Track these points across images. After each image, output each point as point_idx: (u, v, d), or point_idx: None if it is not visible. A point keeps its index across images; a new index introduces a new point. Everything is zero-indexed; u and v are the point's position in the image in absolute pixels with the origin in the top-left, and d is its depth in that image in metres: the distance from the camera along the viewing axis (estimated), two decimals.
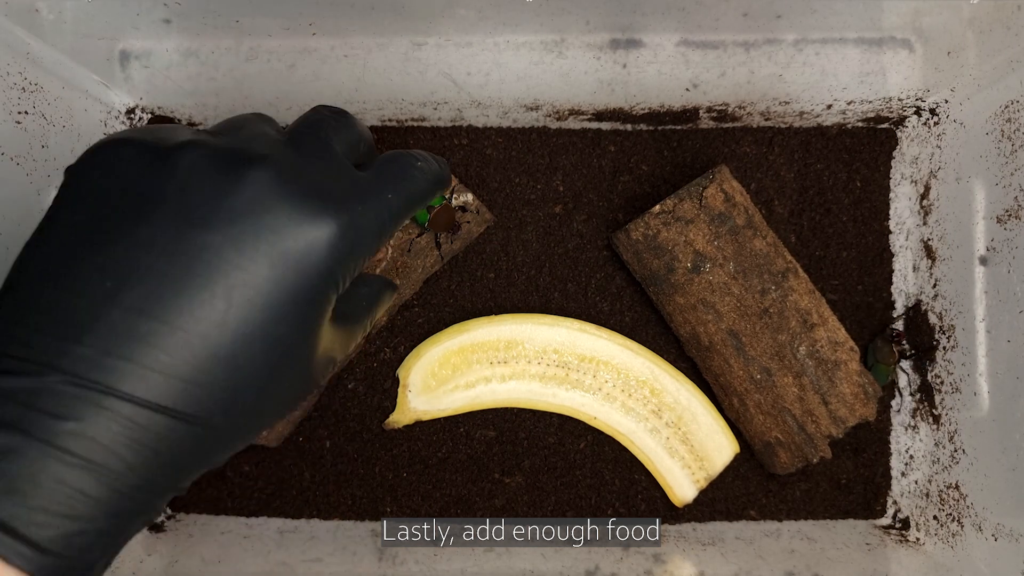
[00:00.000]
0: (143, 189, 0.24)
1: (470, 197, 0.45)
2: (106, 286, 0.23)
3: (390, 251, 0.44)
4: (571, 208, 0.48)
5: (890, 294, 0.48)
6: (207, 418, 0.23)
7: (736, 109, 0.46)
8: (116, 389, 0.22)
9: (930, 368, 0.46)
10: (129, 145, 0.25)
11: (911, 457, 0.47)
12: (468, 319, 0.47)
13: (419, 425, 0.47)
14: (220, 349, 0.23)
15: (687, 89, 0.44)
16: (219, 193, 0.24)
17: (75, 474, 0.21)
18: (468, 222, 0.46)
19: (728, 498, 0.48)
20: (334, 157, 0.28)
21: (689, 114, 0.47)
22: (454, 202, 0.45)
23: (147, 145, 0.25)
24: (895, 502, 0.48)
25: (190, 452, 0.24)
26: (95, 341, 0.22)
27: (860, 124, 0.48)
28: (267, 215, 0.24)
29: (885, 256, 0.48)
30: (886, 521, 0.48)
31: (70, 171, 0.26)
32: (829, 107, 0.46)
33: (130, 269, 0.23)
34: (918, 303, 0.47)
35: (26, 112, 0.37)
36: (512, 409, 0.48)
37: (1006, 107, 0.40)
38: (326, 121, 0.29)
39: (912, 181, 0.48)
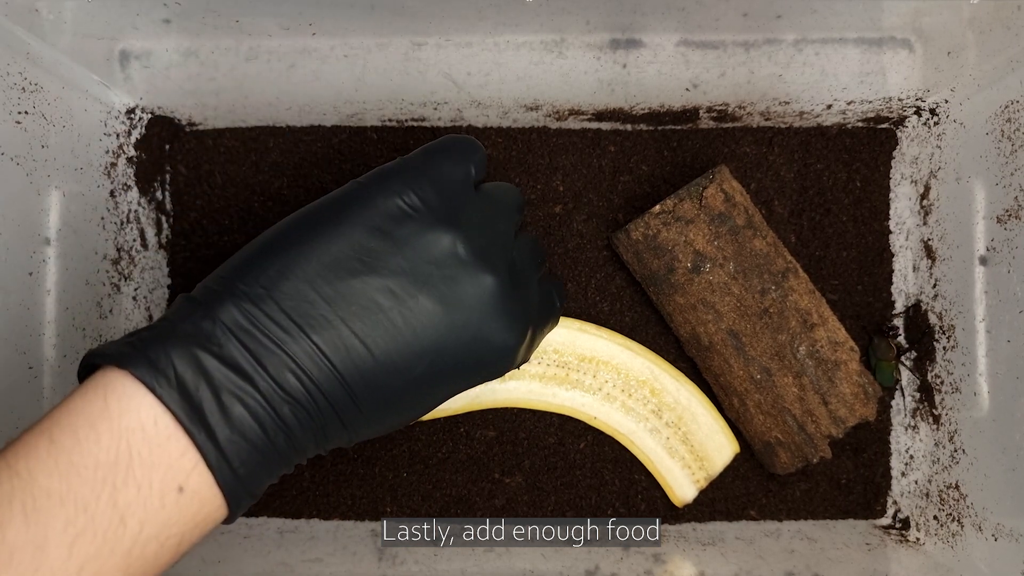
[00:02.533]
0: (407, 244, 0.30)
1: None
2: (350, 309, 0.29)
3: None
4: (571, 208, 0.48)
5: (890, 294, 0.48)
6: (360, 399, 0.29)
7: (736, 109, 0.46)
8: (317, 381, 0.28)
9: (930, 368, 0.46)
10: (414, 198, 0.31)
11: (911, 457, 0.47)
12: None
13: (419, 425, 0.47)
14: (391, 388, 0.29)
15: (687, 89, 0.44)
16: (461, 285, 0.30)
17: (270, 423, 0.27)
18: None
19: (728, 498, 0.48)
20: (534, 293, 0.35)
21: (689, 114, 0.47)
22: None
23: (432, 206, 0.31)
24: (895, 502, 0.48)
25: (335, 421, 0.29)
26: (320, 341, 0.28)
27: (860, 124, 0.48)
28: (482, 318, 0.31)
29: (885, 256, 0.48)
30: (886, 521, 0.48)
31: (364, 188, 0.31)
32: (829, 107, 0.46)
33: (372, 306, 0.29)
34: (918, 303, 0.47)
35: (26, 112, 0.37)
36: (512, 409, 0.48)
37: (1006, 107, 0.40)
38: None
39: (912, 181, 0.48)
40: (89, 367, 0.27)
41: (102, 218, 0.44)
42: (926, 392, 0.46)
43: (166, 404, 0.25)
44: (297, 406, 0.27)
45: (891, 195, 0.49)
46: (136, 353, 0.26)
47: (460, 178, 0.33)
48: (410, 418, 0.32)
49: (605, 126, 0.48)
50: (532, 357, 0.46)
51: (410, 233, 0.30)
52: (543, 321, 0.36)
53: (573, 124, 0.48)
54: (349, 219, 0.30)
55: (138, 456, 0.25)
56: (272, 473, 0.28)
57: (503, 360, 0.32)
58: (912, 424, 0.47)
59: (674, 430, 0.46)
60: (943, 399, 0.45)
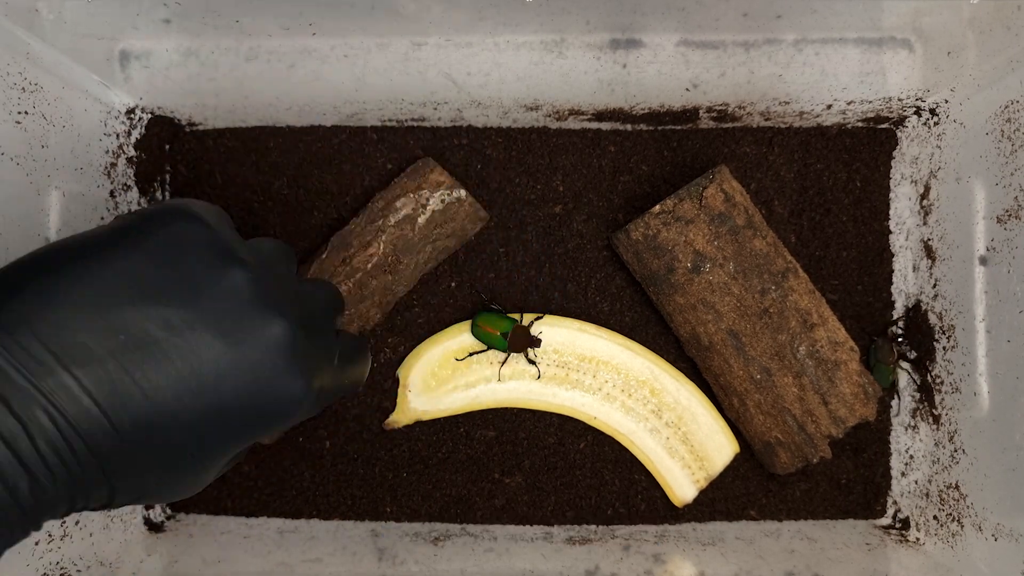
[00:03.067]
0: (192, 274, 0.28)
1: (463, 194, 0.45)
2: (118, 339, 0.26)
3: (382, 247, 0.44)
4: (571, 208, 0.48)
5: (890, 294, 0.48)
6: (127, 439, 0.26)
7: (736, 109, 0.46)
8: (74, 421, 0.25)
9: (930, 368, 0.46)
10: (205, 228, 0.29)
11: (911, 457, 0.47)
12: (468, 319, 0.47)
13: (419, 425, 0.47)
14: (164, 432, 0.26)
15: (687, 89, 0.44)
16: (246, 323, 0.28)
17: (10, 466, 0.24)
18: (457, 220, 0.46)
19: (728, 498, 0.48)
20: (331, 345, 0.33)
21: (689, 114, 0.47)
22: (447, 199, 0.45)
23: (220, 240, 0.29)
24: (895, 502, 0.48)
25: (94, 466, 0.26)
26: (80, 375, 0.25)
27: (860, 124, 0.48)
28: (268, 360, 0.28)
29: (885, 256, 0.48)
30: (886, 521, 0.48)
31: (146, 215, 0.29)
32: (829, 107, 0.46)
33: (143, 338, 0.26)
34: (918, 303, 0.47)
35: (26, 112, 0.37)
36: (512, 409, 0.48)
37: (1006, 107, 0.40)
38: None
39: (912, 181, 0.48)
40: None
41: (102, 218, 0.43)
42: (926, 392, 0.46)
43: None
44: (48, 449, 0.24)
45: (891, 195, 0.49)
46: None
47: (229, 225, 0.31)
48: (180, 480, 0.29)
49: (605, 126, 0.48)
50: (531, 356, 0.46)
51: (194, 263, 0.28)
52: (340, 373, 0.33)
53: (573, 124, 0.48)
54: (126, 243, 0.28)
55: None
56: (15, 528, 0.25)
57: (286, 409, 0.29)
58: (912, 424, 0.47)
59: (674, 430, 0.46)
60: (943, 399, 0.45)
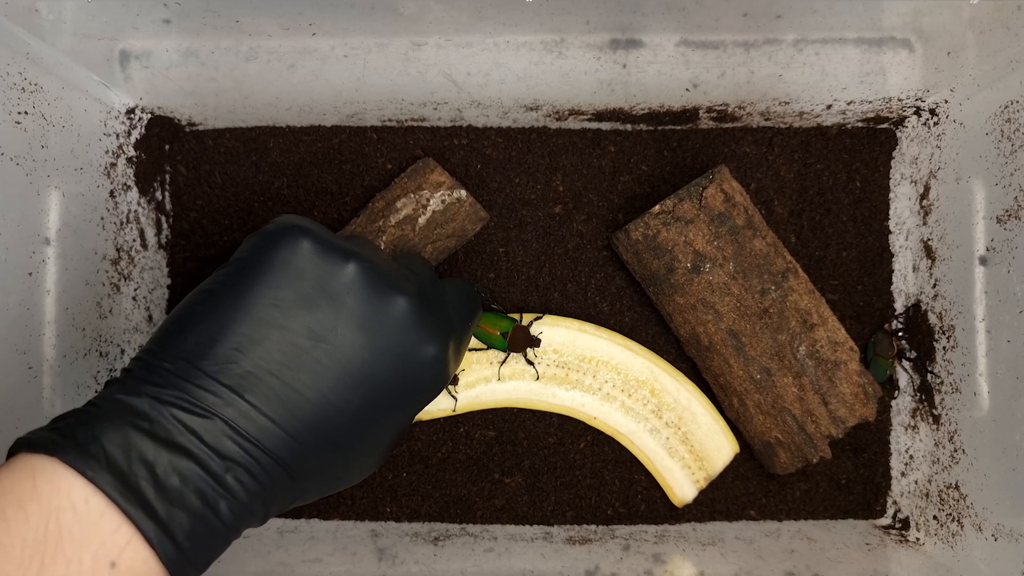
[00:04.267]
0: (318, 281, 0.31)
1: (463, 194, 0.45)
2: (275, 358, 0.29)
3: (383, 247, 0.44)
4: (571, 208, 0.48)
5: (890, 294, 0.48)
6: (306, 444, 0.29)
7: (736, 109, 0.46)
8: (257, 440, 0.28)
9: (930, 368, 0.46)
10: (312, 236, 0.31)
11: (911, 457, 0.47)
12: None
13: (419, 425, 0.47)
14: (334, 428, 0.30)
15: (687, 89, 0.44)
16: (377, 307, 0.31)
17: (211, 492, 0.27)
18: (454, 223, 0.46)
19: (728, 498, 0.48)
20: (446, 304, 0.36)
21: (689, 114, 0.47)
22: (447, 200, 0.45)
23: (327, 241, 0.31)
24: (895, 502, 0.48)
25: (282, 475, 0.29)
26: (253, 399, 0.28)
27: (860, 124, 0.48)
28: (403, 336, 0.31)
29: (885, 256, 0.48)
30: (886, 521, 0.48)
31: (258, 244, 0.32)
32: (829, 107, 0.46)
33: (295, 351, 0.29)
34: (918, 303, 0.47)
35: (26, 112, 0.37)
36: (512, 409, 0.48)
37: (1006, 107, 0.40)
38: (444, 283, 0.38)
39: (912, 181, 0.48)
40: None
41: (102, 218, 0.43)
42: (926, 392, 0.46)
43: (98, 485, 0.26)
44: (239, 469, 0.28)
45: (891, 195, 0.49)
46: (63, 439, 0.26)
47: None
48: (360, 464, 0.32)
49: (605, 126, 0.48)
50: (531, 356, 0.46)
51: (316, 270, 0.31)
52: (465, 320, 0.37)
53: (573, 124, 0.48)
54: (254, 275, 0.31)
55: (68, 533, 0.25)
56: (220, 540, 0.28)
57: (434, 373, 0.32)
58: (912, 424, 0.47)
59: (674, 430, 0.46)
60: (943, 399, 0.45)
